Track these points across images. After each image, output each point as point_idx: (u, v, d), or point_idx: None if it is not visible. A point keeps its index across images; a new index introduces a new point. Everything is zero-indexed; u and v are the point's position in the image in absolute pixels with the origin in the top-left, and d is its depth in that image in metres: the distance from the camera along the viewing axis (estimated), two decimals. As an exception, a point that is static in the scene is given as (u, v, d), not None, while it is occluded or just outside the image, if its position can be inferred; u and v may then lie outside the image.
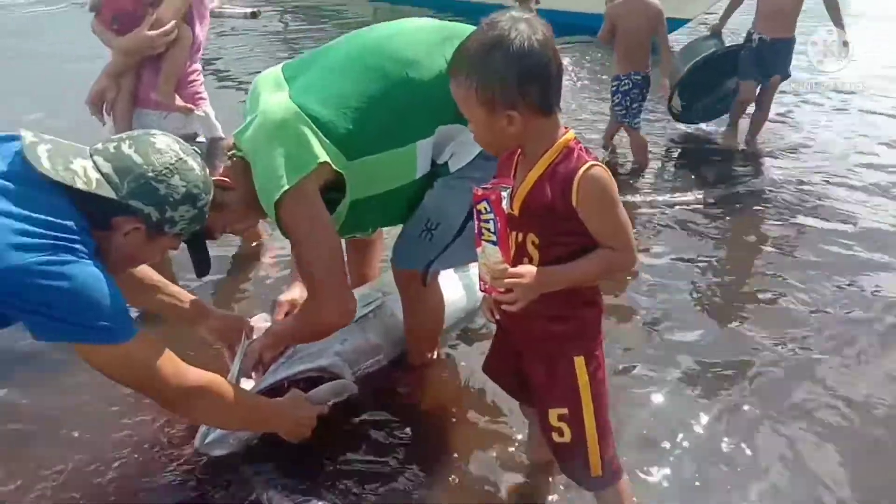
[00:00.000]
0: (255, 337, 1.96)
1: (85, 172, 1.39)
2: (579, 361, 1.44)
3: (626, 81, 4.11)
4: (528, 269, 1.31)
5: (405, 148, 1.80)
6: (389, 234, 2.24)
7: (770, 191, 3.89)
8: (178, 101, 2.60)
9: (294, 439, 1.81)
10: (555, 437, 1.50)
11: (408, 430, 2.05)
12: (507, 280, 1.29)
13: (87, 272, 1.32)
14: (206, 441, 1.81)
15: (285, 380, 1.90)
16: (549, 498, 1.80)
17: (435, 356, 2.30)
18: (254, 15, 7.47)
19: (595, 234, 1.33)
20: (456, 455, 1.95)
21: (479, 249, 1.33)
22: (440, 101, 1.73)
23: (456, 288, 2.46)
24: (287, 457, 1.87)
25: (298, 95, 1.71)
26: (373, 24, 1.96)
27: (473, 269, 2.56)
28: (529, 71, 1.26)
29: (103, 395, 2.06)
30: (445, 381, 2.26)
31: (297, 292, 2.13)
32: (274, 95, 1.75)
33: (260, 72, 1.92)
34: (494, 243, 1.29)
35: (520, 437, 1.97)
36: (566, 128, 1.36)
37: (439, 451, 1.96)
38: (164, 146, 1.47)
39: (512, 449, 1.96)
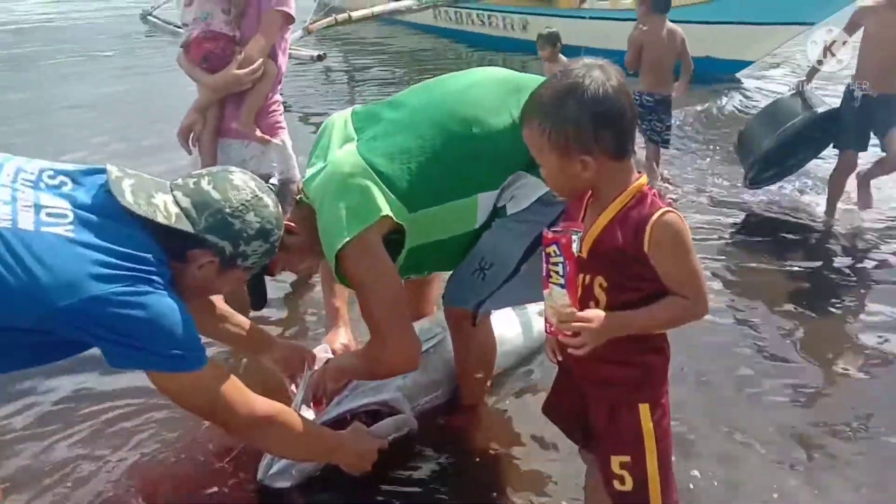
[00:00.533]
0: (317, 367, 2.00)
1: (165, 207, 1.45)
2: (644, 409, 1.42)
3: (649, 99, 4.42)
4: (596, 314, 1.31)
5: (467, 199, 1.84)
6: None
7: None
8: (258, 132, 2.71)
9: (355, 472, 1.83)
10: (616, 484, 1.47)
11: (458, 469, 2.05)
12: (574, 324, 1.30)
13: (163, 303, 1.38)
14: (270, 472, 1.85)
15: (348, 413, 1.93)
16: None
17: (488, 396, 2.29)
18: (320, 58, 7.79)
19: (666, 281, 1.33)
20: (507, 498, 1.93)
21: (546, 292, 1.33)
22: (504, 157, 1.81)
23: (513, 327, 2.46)
24: (338, 488, 1.89)
25: (365, 148, 1.77)
26: (443, 76, 2.02)
27: (532, 308, 2.57)
28: (604, 116, 1.28)
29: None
30: (499, 422, 2.25)
31: (342, 334, 2.19)
32: (343, 146, 1.81)
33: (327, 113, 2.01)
34: (562, 286, 1.30)
35: (576, 484, 1.92)
36: (639, 173, 1.37)
37: (490, 493, 1.95)
38: (242, 183, 1.53)
39: (568, 495, 1.93)
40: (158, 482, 1.97)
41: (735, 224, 3.96)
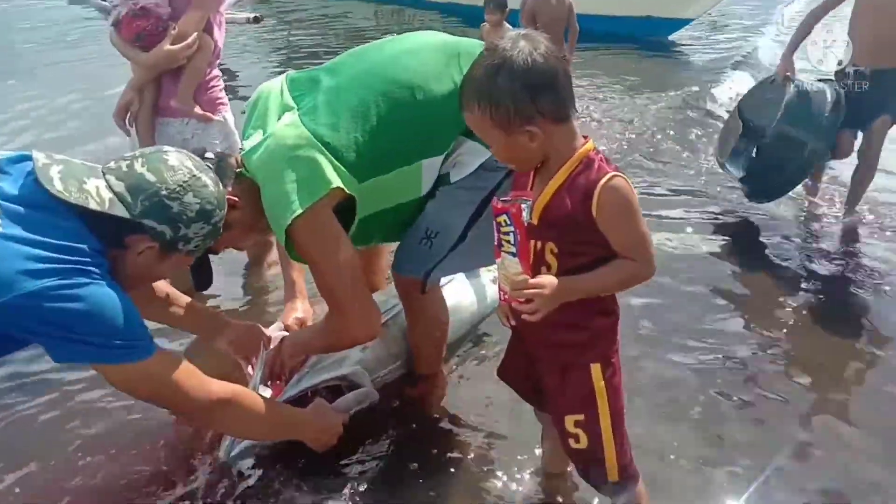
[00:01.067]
0: (272, 347, 1.98)
1: (98, 192, 1.39)
2: (595, 368, 1.47)
3: None
4: (548, 280, 1.34)
5: (412, 166, 1.83)
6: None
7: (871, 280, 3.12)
8: (197, 109, 2.63)
9: (319, 448, 1.84)
10: (571, 443, 1.53)
11: (420, 437, 2.09)
12: (527, 291, 1.32)
13: (101, 293, 1.34)
14: (232, 453, 1.85)
15: (308, 390, 1.93)
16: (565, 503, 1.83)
17: (443, 365, 2.31)
18: (256, 20, 7.54)
19: (615, 245, 1.36)
20: (469, 462, 1.99)
21: (498, 260, 1.36)
22: (447, 122, 1.78)
23: (467, 295, 2.48)
24: (305, 463, 1.91)
25: (308, 118, 1.73)
26: (379, 41, 2.00)
27: (484, 275, 2.59)
28: (538, 84, 1.29)
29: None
30: (456, 388, 2.30)
31: (299, 307, 2.17)
32: (283, 117, 1.76)
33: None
34: (514, 255, 1.32)
35: (533, 444, 2.00)
36: (585, 137, 1.39)
37: (452, 458, 2.00)
38: (178, 163, 1.48)
39: (525, 455, 1.99)
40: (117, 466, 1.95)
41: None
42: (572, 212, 1.34)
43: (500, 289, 1.39)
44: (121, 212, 1.40)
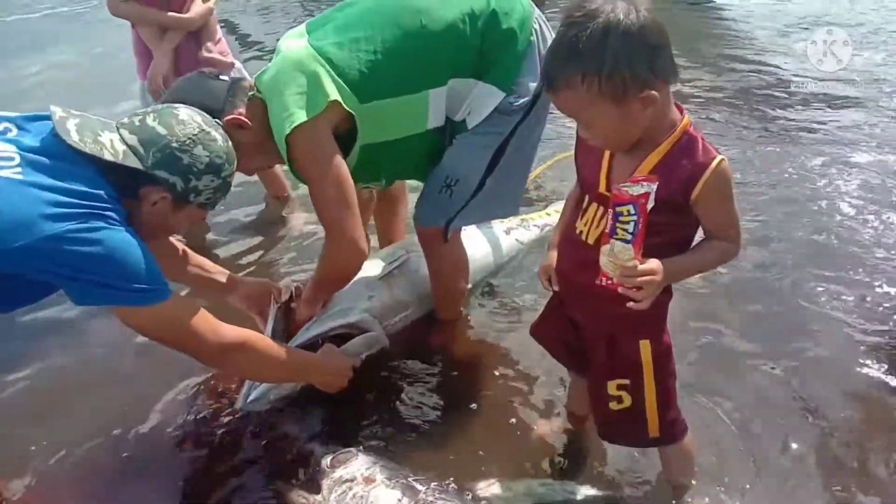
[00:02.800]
0: (283, 299, 1.99)
1: (112, 144, 1.44)
2: (644, 344, 1.42)
3: None
4: (657, 265, 1.23)
5: (417, 95, 1.83)
6: (413, 197, 2.24)
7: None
8: (219, 56, 2.72)
9: (331, 390, 1.86)
10: (612, 405, 1.48)
11: (439, 382, 2.08)
12: (640, 279, 1.21)
13: (119, 237, 1.37)
14: (248, 400, 1.86)
15: (318, 337, 1.93)
16: (586, 446, 1.81)
17: (463, 311, 2.32)
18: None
19: (709, 226, 1.30)
20: (487, 406, 1.98)
21: (605, 246, 1.23)
22: (453, 51, 1.81)
23: (481, 244, 2.47)
24: (322, 410, 1.93)
25: (315, 39, 1.77)
26: None
27: (497, 227, 2.58)
28: (653, 42, 1.18)
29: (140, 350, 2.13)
30: (475, 335, 2.29)
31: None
32: (293, 41, 1.80)
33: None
34: (628, 241, 1.21)
35: (555, 390, 1.99)
36: (678, 107, 1.28)
37: (470, 403, 1.99)
38: (187, 117, 1.52)
39: (545, 398, 1.98)
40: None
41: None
42: (670, 193, 1.24)
43: (602, 273, 1.26)
44: (134, 163, 1.44)
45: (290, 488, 1.62)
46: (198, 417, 1.96)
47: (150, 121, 1.49)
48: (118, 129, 1.49)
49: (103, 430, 1.92)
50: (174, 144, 1.47)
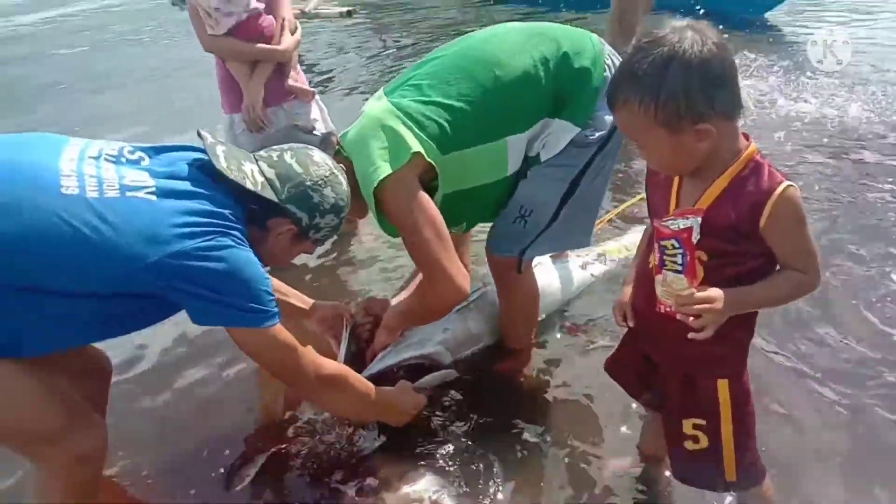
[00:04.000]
0: (357, 319, 2.06)
1: (252, 174, 1.55)
2: (723, 384, 1.39)
3: None
4: (717, 293, 1.22)
5: (496, 143, 1.88)
6: (481, 229, 2.27)
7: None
8: (303, 86, 2.83)
9: (399, 425, 1.91)
10: (688, 444, 1.44)
11: (507, 412, 2.08)
12: (697, 307, 1.21)
13: (244, 256, 1.44)
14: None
15: (392, 367, 1.98)
16: (659, 486, 1.78)
17: (531, 342, 2.33)
18: (349, 13, 7.69)
19: (782, 257, 1.27)
20: (556, 439, 1.97)
21: (658, 277, 1.26)
22: (528, 98, 1.86)
23: (552, 277, 2.48)
24: (392, 427, 1.96)
25: (395, 98, 1.85)
26: (466, 35, 2.05)
27: (573, 261, 2.59)
28: (714, 76, 1.17)
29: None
30: (545, 366, 2.28)
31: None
32: (374, 102, 1.89)
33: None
34: (679, 272, 1.22)
35: (627, 427, 1.97)
36: (745, 135, 1.27)
37: (539, 434, 1.98)
38: (321, 160, 1.65)
39: (617, 434, 1.96)
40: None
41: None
42: (736, 221, 1.23)
43: (658, 301, 1.28)
44: (270, 195, 1.55)
45: (356, 499, 1.66)
46: (269, 425, 2.05)
47: (287, 157, 1.61)
48: (257, 161, 1.60)
49: (186, 432, 2.04)
50: (308, 183, 1.59)
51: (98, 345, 1.77)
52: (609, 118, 1.89)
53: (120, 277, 1.37)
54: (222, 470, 1.91)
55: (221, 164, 1.49)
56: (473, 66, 1.85)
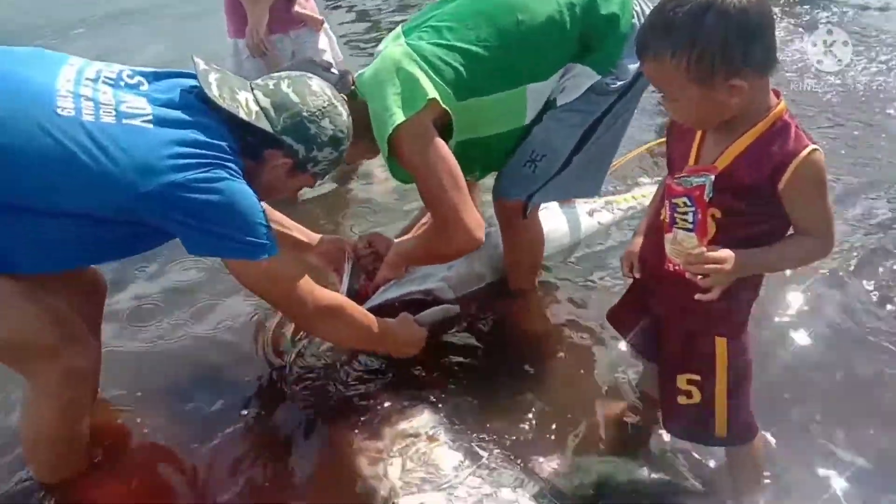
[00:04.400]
0: (362, 251, 2.05)
1: (247, 104, 1.51)
2: (721, 342, 1.38)
3: None
4: (727, 254, 1.19)
5: (515, 90, 1.83)
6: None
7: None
8: (311, 14, 2.74)
9: (402, 357, 1.91)
10: (681, 399, 1.44)
11: (507, 352, 2.10)
12: (707, 266, 1.19)
13: (239, 188, 1.42)
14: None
15: (395, 300, 1.98)
16: (654, 430, 1.78)
17: (535, 284, 2.33)
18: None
19: (797, 221, 1.23)
20: (555, 382, 1.98)
21: (668, 235, 1.23)
22: (552, 46, 1.80)
23: (559, 222, 2.47)
24: (391, 364, 1.98)
25: (413, 39, 1.79)
26: None
27: (580, 207, 2.56)
28: (752, 28, 1.11)
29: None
30: (547, 310, 2.29)
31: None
32: (392, 43, 1.83)
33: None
34: (690, 230, 1.19)
35: (624, 373, 1.97)
36: (776, 92, 1.22)
37: (538, 377, 2.00)
38: (319, 90, 1.58)
39: (614, 379, 1.97)
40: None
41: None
42: (756, 181, 1.19)
43: (667, 259, 1.26)
44: (265, 125, 1.50)
45: (353, 433, 1.67)
46: (265, 363, 2.05)
47: (284, 86, 1.54)
48: (253, 89, 1.54)
49: (175, 369, 2.04)
50: (305, 114, 1.53)
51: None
52: (633, 67, 1.84)
53: (112, 204, 1.35)
54: (219, 404, 1.91)
55: (213, 92, 1.45)
56: (496, 10, 1.79)
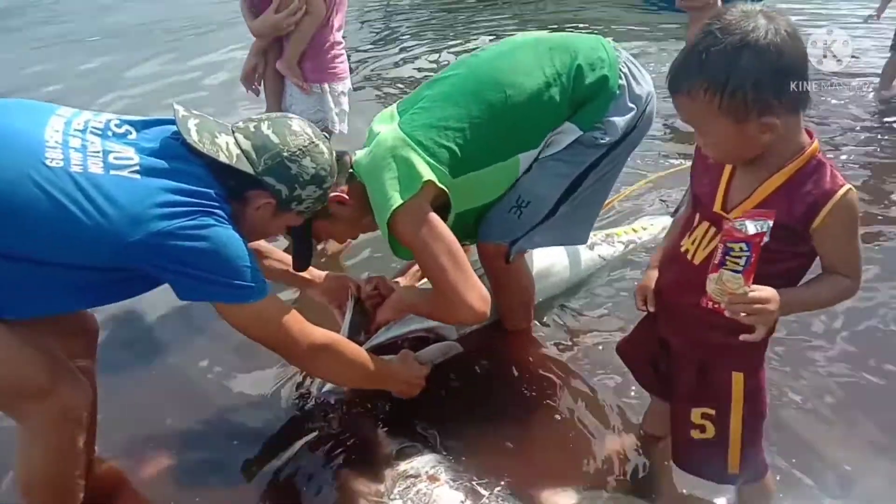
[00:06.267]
0: (365, 290, 2.05)
1: (227, 147, 1.51)
2: (738, 377, 1.36)
3: None
4: (772, 294, 1.17)
5: (508, 161, 1.90)
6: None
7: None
8: (296, 77, 2.72)
9: (403, 396, 1.90)
10: (694, 433, 1.43)
11: (507, 390, 2.08)
12: (753, 307, 1.17)
13: (226, 234, 1.43)
14: (324, 389, 1.94)
15: (398, 338, 1.98)
16: (658, 468, 1.76)
17: (531, 323, 2.30)
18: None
19: (828, 259, 1.24)
20: (556, 418, 1.96)
21: (713, 274, 1.20)
22: (541, 117, 1.87)
23: (560, 256, 2.46)
24: (391, 405, 1.95)
25: (406, 124, 1.84)
26: (478, 50, 2.07)
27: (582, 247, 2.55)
28: (786, 68, 1.12)
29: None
30: (546, 347, 2.26)
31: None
32: (386, 127, 1.88)
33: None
34: (738, 272, 1.16)
35: (628, 409, 1.95)
36: (809, 132, 1.22)
37: (539, 413, 1.98)
38: (299, 129, 1.60)
39: (618, 415, 1.94)
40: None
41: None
42: (789, 219, 1.19)
43: (707, 297, 1.22)
44: (246, 167, 1.52)
45: (354, 476, 1.65)
46: (271, 403, 2.04)
47: (264, 128, 1.56)
48: (234, 132, 1.56)
49: (179, 413, 2.02)
50: (285, 154, 1.54)
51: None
52: (622, 124, 1.90)
53: (101, 254, 1.36)
54: (217, 448, 1.90)
55: (193, 137, 1.47)
56: (484, 89, 1.84)
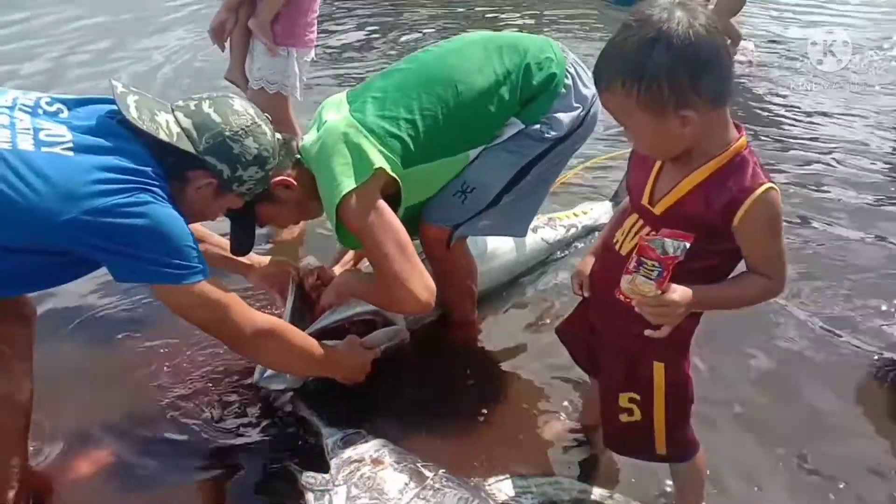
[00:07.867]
0: (306, 280, 2.02)
1: (167, 125, 1.48)
2: (658, 367, 1.39)
3: None
4: (682, 296, 1.18)
5: (458, 156, 1.92)
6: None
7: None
8: (266, 38, 2.66)
9: (348, 383, 1.87)
10: (622, 417, 1.46)
11: (451, 377, 2.09)
12: (661, 309, 1.19)
13: (164, 212, 1.39)
14: (265, 375, 1.88)
15: (344, 321, 1.95)
16: (599, 449, 1.79)
17: (476, 311, 2.30)
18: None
19: (750, 259, 1.25)
20: (500, 403, 1.98)
21: (626, 275, 1.20)
22: (489, 115, 1.89)
23: (506, 242, 2.46)
24: (334, 392, 1.92)
25: (357, 112, 1.83)
26: (430, 46, 2.09)
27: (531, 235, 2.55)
28: (700, 61, 1.11)
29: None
30: (491, 334, 2.28)
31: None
32: (335, 114, 1.86)
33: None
34: (650, 280, 1.16)
35: (570, 392, 1.98)
36: (737, 125, 1.23)
37: (482, 399, 1.99)
38: (242, 109, 1.57)
39: (560, 399, 1.97)
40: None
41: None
42: (709, 215, 1.20)
43: (619, 291, 1.22)
44: (186, 146, 1.48)
45: (298, 466, 1.63)
46: (210, 393, 1.99)
47: (205, 107, 1.53)
48: (174, 111, 1.52)
49: (118, 407, 1.94)
50: (227, 133, 1.51)
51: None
52: (567, 121, 1.93)
53: (34, 234, 1.31)
54: (160, 444, 1.84)
55: (132, 114, 1.42)
56: (436, 83, 1.86)
